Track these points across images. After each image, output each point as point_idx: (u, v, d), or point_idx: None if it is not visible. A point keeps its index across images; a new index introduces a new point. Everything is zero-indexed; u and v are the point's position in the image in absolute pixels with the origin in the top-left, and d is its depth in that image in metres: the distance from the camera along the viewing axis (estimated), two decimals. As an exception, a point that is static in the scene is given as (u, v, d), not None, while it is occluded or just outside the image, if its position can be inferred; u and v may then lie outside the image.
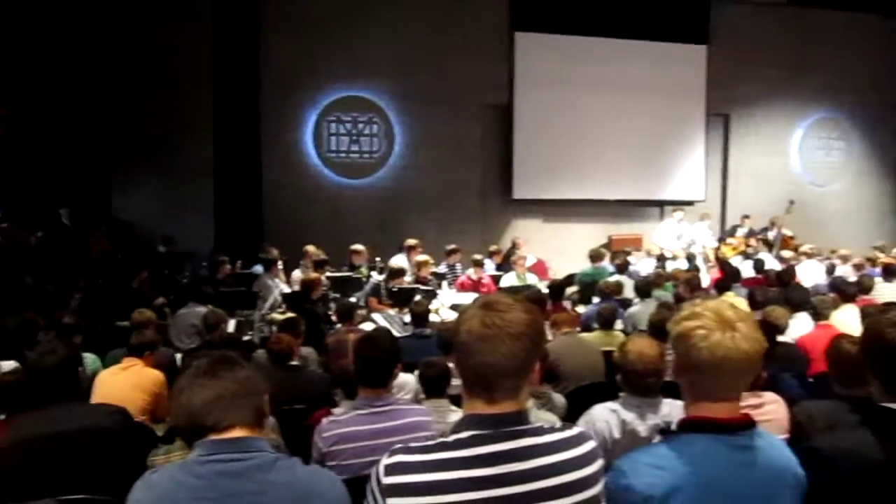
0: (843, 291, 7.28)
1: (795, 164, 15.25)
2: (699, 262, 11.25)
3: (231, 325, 6.63)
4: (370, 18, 12.22)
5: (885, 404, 2.07)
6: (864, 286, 7.87)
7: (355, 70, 12.20)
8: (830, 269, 9.94)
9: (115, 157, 11.47)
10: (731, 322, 1.80)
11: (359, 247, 9.88)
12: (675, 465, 1.75)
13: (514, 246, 11.20)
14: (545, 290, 7.56)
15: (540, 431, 1.66)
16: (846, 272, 9.82)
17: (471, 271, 9.56)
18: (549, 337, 5.73)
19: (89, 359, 5.09)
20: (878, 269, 9.55)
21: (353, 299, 8.23)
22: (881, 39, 15.25)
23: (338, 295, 8.35)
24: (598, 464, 1.72)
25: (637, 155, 13.65)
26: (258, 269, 9.12)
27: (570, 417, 4.24)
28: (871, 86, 15.22)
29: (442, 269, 10.11)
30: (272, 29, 11.67)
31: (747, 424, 1.84)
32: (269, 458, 1.72)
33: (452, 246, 10.39)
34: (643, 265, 10.72)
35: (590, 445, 1.72)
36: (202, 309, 6.41)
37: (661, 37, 13.56)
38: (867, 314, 5.53)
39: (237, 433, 1.72)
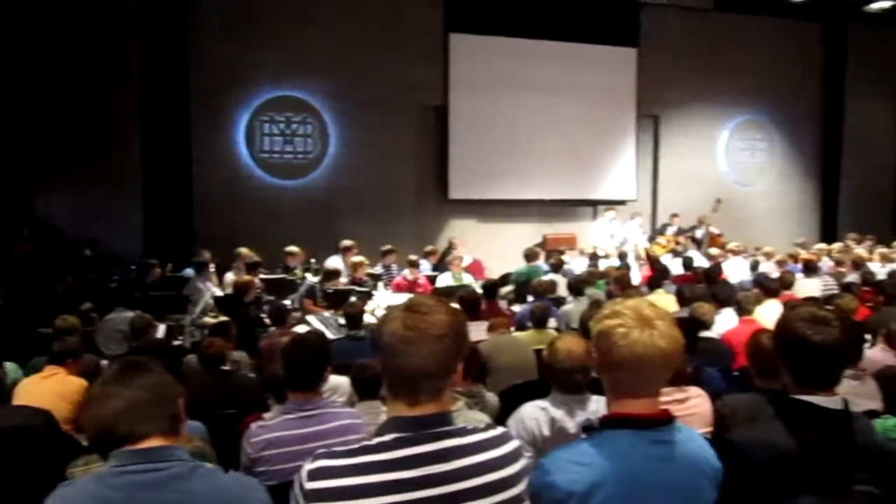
0: (766, 287, 7.54)
1: (722, 164, 15.71)
2: (631, 260, 11.49)
3: (161, 331, 6.47)
4: (304, 17, 12.08)
5: (797, 396, 2.16)
6: (785, 282, 8.17)
7: (289, 69, 12.04)
8: (754, 266, 10.27)
9: (38, 158, 11.05)
10: (649, 320, 1.85)
11: (293, 248, 9.76)
12: (596, 462, 1.79)
13: (451, 246, 11.22)
14: (480, 290, 7.59)
15: (463, 432, 1.67)
16: (769, 269, 10.16)
17: (406, 272, 9.54)
18: (485, 337, 5.77)
19: (10, 367, 4.90)
20: (799, 265, 9.92)
21: (287, 302, 8.13)
22: (799, 44, 15.86)
23: (272, 297, 8.24)
24: (520, 463, 1.74)
25: (571, 156, 13.85)
26: (189, 272, 8.92)
27: (502, 416, 4.29)
28: (791, 89, 15.82)
29: (378, 270, 10.06)
30: (202, 26, 11.42)
31: (666, 420, 1.89)
32: (187, 467, 1.68)
33: (388, 247, 10.35)
34: (577, 264, 10.89)
35: (512, 445, 1.74)
36: (130, 314, 6.23)
37: (594, 39, 13.80)
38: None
39: (152, 442, 1.68)
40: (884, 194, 16.82)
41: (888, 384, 3.73)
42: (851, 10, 15.46)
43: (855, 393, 3.80)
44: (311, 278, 9.14)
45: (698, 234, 13.39)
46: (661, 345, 1.83)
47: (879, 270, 9.94)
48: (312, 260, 10.02)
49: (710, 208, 13.83)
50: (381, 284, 9.57)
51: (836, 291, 7.99)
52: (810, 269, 9.35)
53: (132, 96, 10.84)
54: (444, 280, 9.41)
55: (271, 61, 11.89)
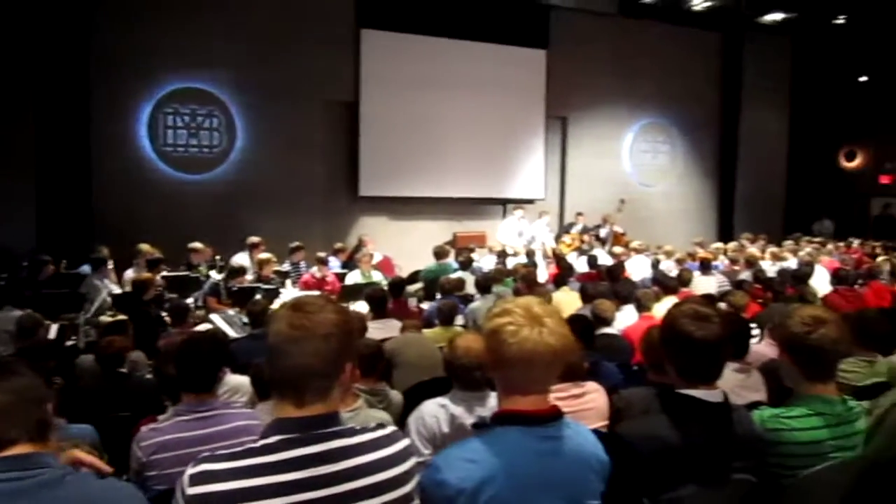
0: (665, 284, 7.81)
1: (626, 165, 16.19)
2: (538, 258, 11.69)
3: (53, 330, 6.17)
4: (211, 5, 11.73)
5: (681, 390, 2.24)
6: (683, 279, 8.48)
7: (195, 60, 11.65)
8: (655, 264, 10.60)
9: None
10: (538, 318, 1.88)
11: (198, 245, 9.48)
12: (486, 458, 1.81)
13: (360, 243, 11.14)
14: (388, 288, 7.58)
15: (351, 433, 1.67)
16: (669, 266, 10.52)
17: (315, 269, 9.43)
18: (393, 335, 5.76)
19: None
20: (696, 264, 10.30)
21: (190, 300, 7.89)
22: (700, 52, 16.52)
23: (174, 295, 7.98)
24: (410, 462, 1.74)
25: (481, 154, 13.98)
26: (86, 269, 8.52)
27: (406, 414, 4.29)
28: (692, 94, 16.45)
29: (286, 267, 9.90)
30: (103, 13, 10.93)
31: (555, 416, 1.93)
32: (56, 475, 1.61)
33: (296, 244, 10.19)
34: (486, 262, 11.01)
35: (401, 444, 1.75)
36: (18, 313, 5.92)
37: (505, 40, 13.96)
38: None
39: (19, 449, 1.60)
40: (775, 197, 17.74)
41: (771, 377, 3.92)
42: (747, 22, 16.20)
43: (741, 385, 3.98)
44: (216, 276, 8.90)
45: (602, 232, 13.76)
46: (551, 342, 1.87)
47: (770, 268, 10.41)
48: (218, 257, 9.77)
49: (615, 208, 14.23)
50: (288, 282, 9.41)
51: (729, 288, 8.32)
52: (707, 267, 9.73)
53: (26, 83, 10.29)
54: (353, 278, 9.33)
55: (175, 51, 11.46)
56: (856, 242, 13.73)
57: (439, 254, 10.08)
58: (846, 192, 17.83)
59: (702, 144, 16.92)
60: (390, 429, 1.77)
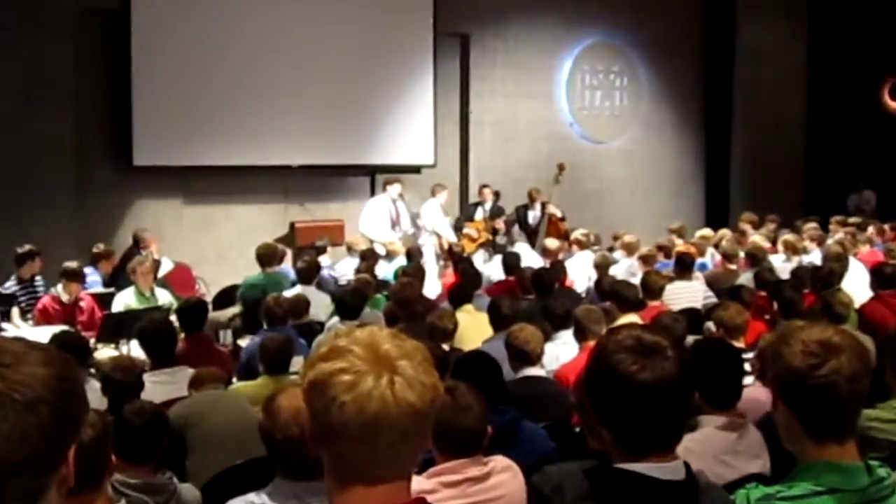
0: (623, 297, 8.01)
1: (562, 110, 16.61)
2: (427, 259, 11.79)
3: None
4: None
5: (621, 465, 2.30)
6: (651, 287, 8.69)
7: None
8: (608, 265, 10.86)
9: None
10: (389, 360, 1.87)
11: None
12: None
13: (137, 244, 10.94)
14: (177, 317, 7.51)
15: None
16: (629, 268, 10.80)
17: (60, 289, 9.22)
18: (184, 394, 5.70)
19: None
20: (671, 262, 10.59)
21: None
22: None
23: None
24: None
25: (333, 100, 14.02)
26: None
27: (207, 518, 4.26)
28: (661, -2, 16.98)
29: (11, 286, 9.64)
30: None
31: (420, 517, 1.94)
32: None
33: (27, 247, 9.90)
34: (344, 268, 11.02)
35: None
36: None
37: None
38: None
39: None
40: (791, 157, 18.06)
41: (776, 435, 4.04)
42: None
43: (730, 451, 4.09)
44: None
45: (529, 217, 14.02)
46: (410, 398, 1.86)
47: (783, 266, 10.68)
48: None
49: (549, 178, 14.50)
50: (15, 311, 9.28)
51: (720, 300, 8.57)
52: (687, 266, 10.02)
53: None
54: (125, 301, 9.16)
55: None
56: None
57: (266, 257, 10.02)
58: (894, 148, 17.77)
59: (678, 75, 17.50)
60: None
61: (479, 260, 12.46)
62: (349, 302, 8.02)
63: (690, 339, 6.02)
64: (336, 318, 8.03)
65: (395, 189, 13.37)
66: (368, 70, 14.28)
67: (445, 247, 12.89)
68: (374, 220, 13.17)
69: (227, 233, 13.14)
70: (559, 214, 14.12)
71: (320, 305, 8.95)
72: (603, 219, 14.82)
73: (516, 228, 14.06)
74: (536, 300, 8.60)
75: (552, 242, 12.01)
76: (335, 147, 14.20)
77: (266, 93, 13.49)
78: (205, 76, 13.11)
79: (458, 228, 13.90)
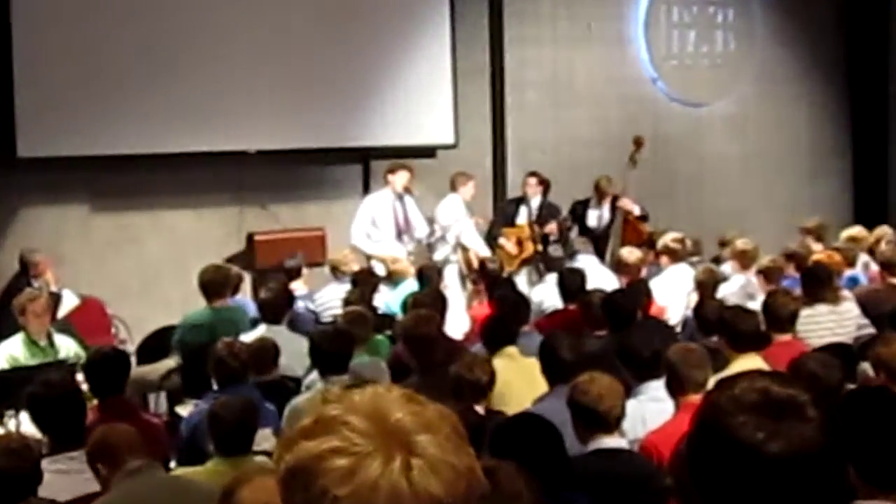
0: (735, 330, 7.98)
1: (641, 60, 16.65)
2: (450, 282, 11.77)
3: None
4: None
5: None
6: (777, 314, 8.68)
7: None
8: (714, 283, 10.82)
9: None
10: (402, 435, 1.86)
11: None
12: None
13: (26, 270, 10.99)
14: (84, 376, 7.53)
15: None
16: (747, 286, 10.77)
17: None
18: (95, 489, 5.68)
19: None
20: (797, 277, 10.57)
21: None
22: None
23: None
24: None
25: (309, 57, 14.14)
26: None
27: None
28: None
29: None
30: None
31: None
32: None
33: None
34: (327, 297, 11.02)
35: None
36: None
37: None
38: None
39: None
40: None
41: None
42: None
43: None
44: None
45: (594, 217, 13.98)
46: (434, 488, 1.86)
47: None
48: None
49: (622, 161, 14.46)
50: None
51: (877, 332, 8.55)
52: (824, 282, 9.99)
53: None
54: (9, 351, 9.17)
55: None
56: None
57: (213, 285, 10.00)
58: None
59: (811, 8, 17.50)
60: None
61: (524, 281, 12.44)
62: (335, 347, 7.98)
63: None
64: (317, 373, 8.03)
65: (400, 181, 13.33)
66: (356, 13, 14.37)
67: (475, 263, 12.85)
68: (370, 226, 13.19)
69: (155, 251, 13.20)
70: (638, 212, 14.06)
71: (294, 353, 8.84)
72: (703, 216, 14.78)
73: (576, 234, 13.98)
74: (610, 338, 8.57)
75: (630, 253, 11.99)
76: (311, 124, 14.25)
77: (210, 51, 13.55)
78: (120, 32, 13.17)
79: (492, 237, 13.89)
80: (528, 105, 15.71)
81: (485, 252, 13.28)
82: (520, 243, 13.63)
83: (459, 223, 13.49)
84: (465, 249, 13.35)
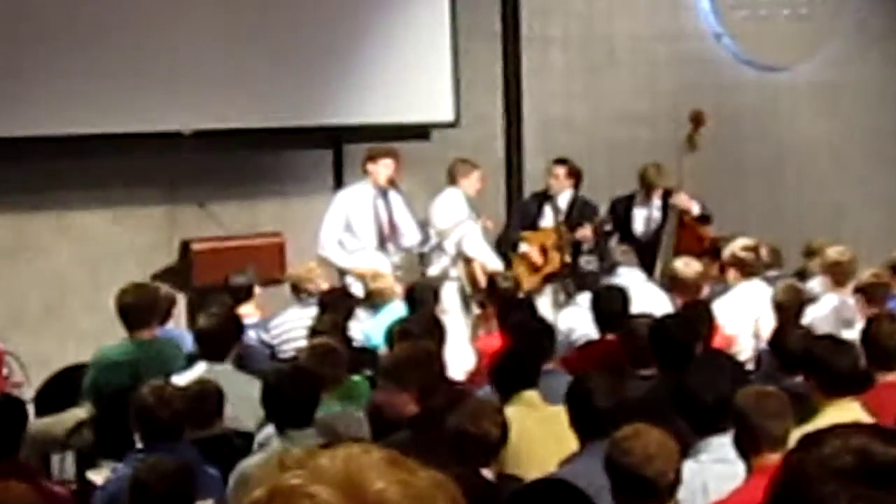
0: (826, 367, 7.99)
1: (701, 11, 16.72)
2: (450, 304, 11.80)
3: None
4: None
5: None
6: (882, 346, 8.68)
7: None
8: (800, 305, 10.84)
9: None
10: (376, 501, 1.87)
11: None
12: None
13: None
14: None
15: None
16: (842, 308, 10.80)
17: None
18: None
19: None
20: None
21: None
22: None
23: None
24: None
25: (265, 11, 14.19)
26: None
27: None
28: None
29: None
30: None
31: None
32: None
33: None
34: (287, 325, 11.03)
35: None
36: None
37: None
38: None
39: None
40: None
41: None
42: None
43: None
44: None
45: (641, 218, 14.00)
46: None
47: None
48: None
49: (676, 144, 14.48)
50: None
51: None
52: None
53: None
54: None
55: None
56: None
57: (137, 310, 10.01)
58: None
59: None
60: None
61: (548, 303, 12.43)
62: (297, 393, 7.96)
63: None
64: (272, 427, 8.02)
65: (383, 171, 13.35)
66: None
67: (481, 280, 12.88)
68: (344, 231, 13.22)
69: (60, 264, 13.24)
70: (697, 211, 14.10)
71: (243, 400, 8.84)
72: (784, 217, 14.80)
73: (617, 241, 13.99)
74: (661, 378, 8.57)
75: (687, 266, 12.01)
76: (265, 96, 14.33)
77: (130, 3, 13.60)
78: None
79: (508, 244, 13.92)
80: (551, 70, 15.77)
81: (495, 264, 13.31)
82: (544, 252, 13.62)
83: (461, 227, 13.49)
84: (467, 261, 13.36)
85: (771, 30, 16.83)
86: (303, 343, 9.92)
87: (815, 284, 11.68)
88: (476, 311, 12.56)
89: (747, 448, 6.62)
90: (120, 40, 13.55)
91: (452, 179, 13.66)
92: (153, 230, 13.83)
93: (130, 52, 13.58)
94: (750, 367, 9.92)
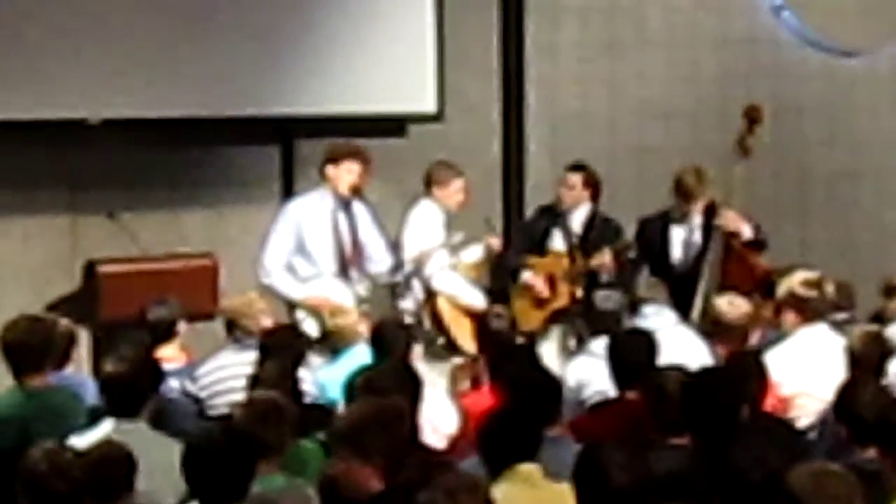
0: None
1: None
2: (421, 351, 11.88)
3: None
4: None
5: None
6: None
7: None
8: (876, 354, 10.88)
9: None
10: None
11: None
12: None
13: None
14: None
15: None
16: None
17: None
18: None
19: None
20: None
21: None
22: None
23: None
24: None
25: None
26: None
27: None
28: None
29: None
30: None
31: None
32: None
33: None
34: (220, 371, 11.08)
35: None
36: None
37: None
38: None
39: None
40: None
41: None
42: None
43: None
44: None
45: (677, 239, 14.06)
46: None
47: None
48: None
49: (726, 145, 14.57)
50: None
51: None
52: None
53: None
54: None
55: None
56: None
57: (27, 353, 10.07)
58: None
59: None
60: None
61: (554, 350, 12.51)
62: (228, 460, 8.01)
63: None
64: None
65: (345, 176, 13.42)
66: None
67: (445, 317, 12.92)
68: (295, 253, 13.26)
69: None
70: (749, 234, 14.15)
71: (161, 469, 8.85)
72: (858, 243, 14.91)
73: (646, 273, 14.03)
74: (695, 449, 8.62)
75: (733, 305, 12.07)
76: (195, 78, 14.42)
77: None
78: None
79: (508, 272, 13.96)
80: (563, 49, 15.85)
81: (476, 302, 13.34)
82: (551, 283, 13.65)
83: (438, 252, 13.50)
84: (431, 294, 13.40)
85: (843, 5, 16.95)
86: (239, 396, 9.96)
87: (895, 332, 11.74)
88: (459, 359, 12.54)
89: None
90: (9, 5, 13.65)
91: (427, 188, 13.68)
92: (49, 247, 13.90)
93: (23, 20, 13.67)
94: (811, 436, 9.90)
